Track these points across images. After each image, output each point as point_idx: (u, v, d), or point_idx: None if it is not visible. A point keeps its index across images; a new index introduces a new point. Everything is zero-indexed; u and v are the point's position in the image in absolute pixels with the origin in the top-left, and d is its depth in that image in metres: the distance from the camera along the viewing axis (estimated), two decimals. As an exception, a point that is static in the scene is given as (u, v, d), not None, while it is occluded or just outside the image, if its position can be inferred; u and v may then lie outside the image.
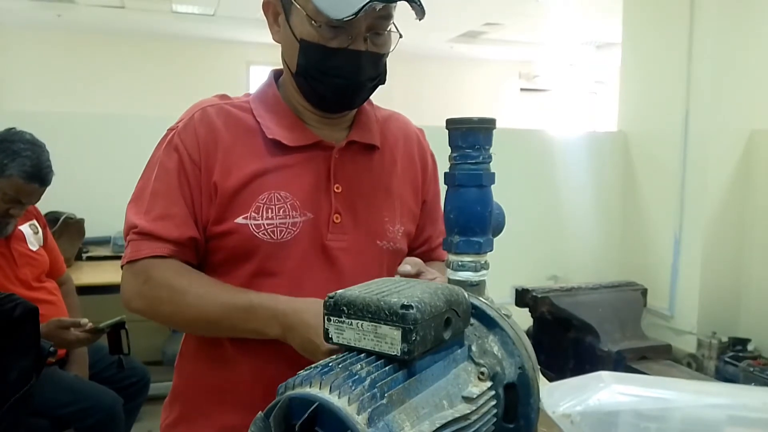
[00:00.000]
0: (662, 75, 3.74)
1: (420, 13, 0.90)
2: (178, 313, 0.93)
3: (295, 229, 0.95)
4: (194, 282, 0.94)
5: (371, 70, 0.95)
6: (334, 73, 0.93)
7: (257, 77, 7.73)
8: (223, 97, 1.04)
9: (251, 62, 7.71)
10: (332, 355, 0.62)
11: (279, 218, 0.95)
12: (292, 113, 1.01)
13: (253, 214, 0.94)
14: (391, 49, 0.97)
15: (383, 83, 0.99)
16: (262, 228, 0.94)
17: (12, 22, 6.65)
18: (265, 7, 1.00)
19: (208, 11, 6.20)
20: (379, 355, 0.56)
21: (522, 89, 9.05)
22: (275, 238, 0.94)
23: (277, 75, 1.06)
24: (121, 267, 0.97)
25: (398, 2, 0.89)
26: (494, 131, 0.76)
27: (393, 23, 0.95)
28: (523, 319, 3.04)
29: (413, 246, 1.13)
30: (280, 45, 1.01)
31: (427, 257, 1.11)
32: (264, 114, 1.00)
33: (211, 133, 0.96)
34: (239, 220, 0.94)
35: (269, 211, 0.94)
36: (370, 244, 1.02)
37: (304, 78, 0.96)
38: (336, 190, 0.99)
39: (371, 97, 1.08)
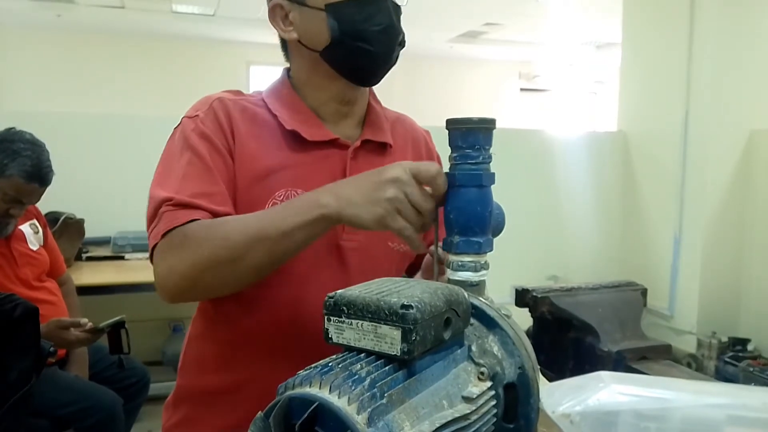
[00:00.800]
0: (662, 75, 3.74)
1: None
2: (222, 247, 0.82)
3: None
4: (234, 217, 0.88)
5: (399, 22, 0.97)
6: (372, 22, 0.93)
7: (257, 77, 7.74)
8: (237, 93, 1.02)
9: (251, 62, 7.72)
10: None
11: None
12: (308, 109, 1.01)
13: None
14: (404, 2, 0.99)
15: (404, 46, 0.99)
16: None
17: (12, 22, 6.65)
18: (272, 15, 0.98)
19: (208, 11, 6.20)
20: (379, 355, 0.56)
21: (522, 89, 9.05)
22: None
23: (288, 73, 1.06)
24: (151, 251, 0.86)
25: None
26: (494, 131, 0.76)
27: None
28: (523, 319, 3.04)
29: None
30: (287, 47, 1.02)
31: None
32: (280, 108, 0.99)
33: (228, 122, 0.95)
34: None
35: None
36: (382, 245, 1.02)
37: (341, 44, 0.94)
38: None
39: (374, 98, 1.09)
